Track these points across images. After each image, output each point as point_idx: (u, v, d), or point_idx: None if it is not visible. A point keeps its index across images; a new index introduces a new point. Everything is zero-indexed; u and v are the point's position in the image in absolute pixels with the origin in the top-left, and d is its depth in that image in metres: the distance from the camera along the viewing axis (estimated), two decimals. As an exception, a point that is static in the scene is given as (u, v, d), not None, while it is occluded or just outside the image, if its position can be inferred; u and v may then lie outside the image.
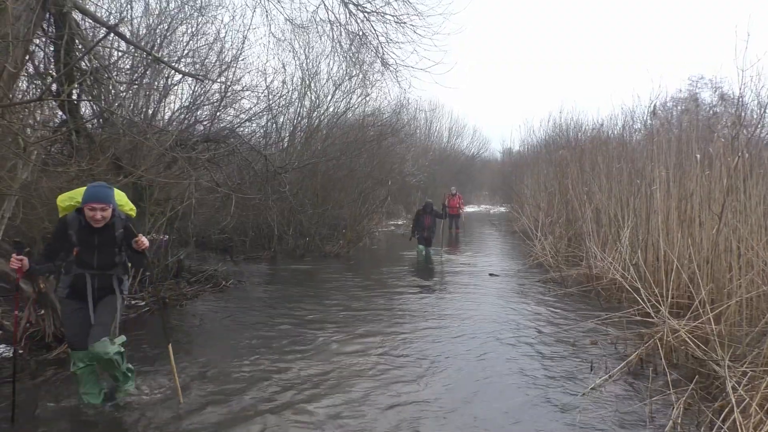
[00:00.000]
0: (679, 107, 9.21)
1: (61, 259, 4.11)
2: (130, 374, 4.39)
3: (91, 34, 6.83)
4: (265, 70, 23.52)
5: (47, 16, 6.16)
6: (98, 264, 4.12)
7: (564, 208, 12.75)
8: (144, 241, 4.08)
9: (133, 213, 4.42)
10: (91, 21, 6.89)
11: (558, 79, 77.96)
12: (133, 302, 7.14)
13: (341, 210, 14.73)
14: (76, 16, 6.48)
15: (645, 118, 9.46)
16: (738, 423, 3.48)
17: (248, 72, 20.32)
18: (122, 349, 4.19)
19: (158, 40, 8.72)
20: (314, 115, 15.53)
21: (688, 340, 5.07)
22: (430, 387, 4.71)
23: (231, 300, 8.13)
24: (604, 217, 10.01)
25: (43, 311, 5.38)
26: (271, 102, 12.44)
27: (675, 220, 7.20)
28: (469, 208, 41.16)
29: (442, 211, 14.14)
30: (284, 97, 14.31)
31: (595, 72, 75.32)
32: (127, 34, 8.59)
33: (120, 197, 4.28)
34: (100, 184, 4.09)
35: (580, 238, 11.00)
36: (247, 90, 10.48)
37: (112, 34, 6.81)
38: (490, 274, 10.62)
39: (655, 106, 7.87)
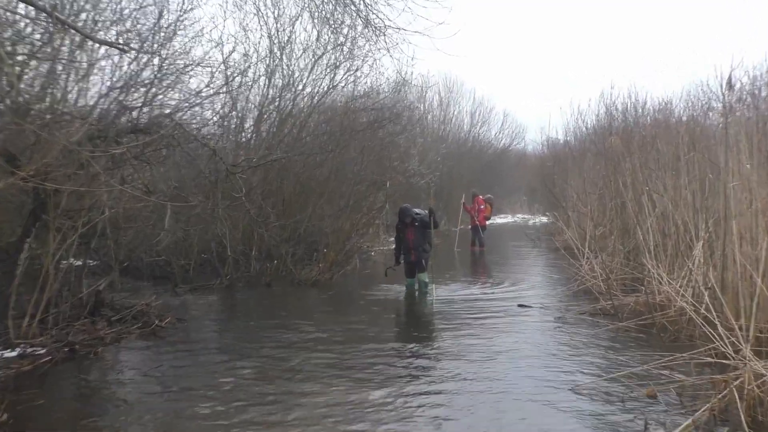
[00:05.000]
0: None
1: None
2: None
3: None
4: (221, 38, 23.56)
5: None
6: None
7: (618, 216, 12.64)
8: None
9: None
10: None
11: (611, 55, 78.13)
12: (29, 350, 7.03)
13: (322, 222, 14.66)
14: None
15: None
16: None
17: (200, 43, 20.38)
18: None
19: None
20: (287, 96, 15.61)
21: (778, 390, 4.93)
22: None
23: (165, 345, 8.06)
24: (670, 227, 9.91)
25: None
26: (229, 80, 12.44)
27: (763, 228, 7.07)
28: (499, 219, 41.24)
29: (430, 218, 12.05)
30: (246, 73, 14.32)
31: (659, 49, 75.21)
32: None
33: None
34: None
35: (640, 255, 10.89)
36: (194, 65, 10.47)
37: None
38: (520, 305, 10.54)
39: (730, 75, 7.63)
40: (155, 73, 9.18)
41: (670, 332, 8.03)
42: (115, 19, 9.09)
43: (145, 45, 9.17)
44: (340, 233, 14.62)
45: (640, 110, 15.44)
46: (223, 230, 11.49)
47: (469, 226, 21.91)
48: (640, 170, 11.63)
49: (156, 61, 9.19)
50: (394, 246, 12.80)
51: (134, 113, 9.05)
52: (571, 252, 12.96)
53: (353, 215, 15.30)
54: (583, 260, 12.11)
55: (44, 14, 7.73)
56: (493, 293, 12.15)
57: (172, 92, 9.76)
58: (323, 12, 12.00)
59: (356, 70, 16.02)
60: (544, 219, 33.62)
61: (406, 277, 12.34)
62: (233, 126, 14.64)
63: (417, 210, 12.21)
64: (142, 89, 9.16)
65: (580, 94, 61.99)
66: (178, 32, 9.75)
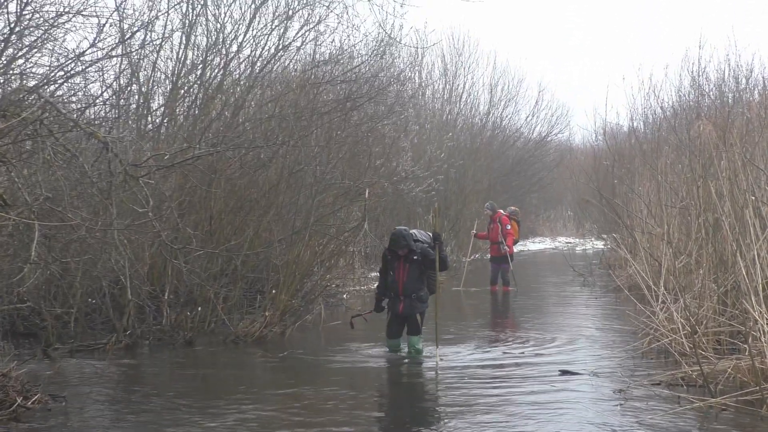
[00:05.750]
0: None
1: None
2: None
3: None
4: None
5: None
6: None
7: (710, 239, 12.68)
8: None
9: None
10: None
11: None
12: None
13: (269, 250, 14.65)
14: None
15: None
16: None
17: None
18: None
19: None
20: (215, 62, 15.65)
21: None
22: None
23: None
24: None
25: None
26: (127, 37, 12.36)
27: None
28: (533, 244, 41.14)
29: (435, 245, 11.66)
30: (153, 26, 14.23)
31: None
32: None
33: None
34: None
35: (741, 298, 10.92)
36: (73, 13, 10.42)
37: None
38: (562, 372, 10.65)
39: None
40: (11, 24, 9.14)
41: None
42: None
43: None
44: (296, 266, 14.58)
45: (744, 81, 15.43)
46: (121, 263, 11.37)
47: (488, 256, 21.82)
48: (743, 171, 11.68)
49: (12, 6, 9.16)
50: (377, 284, 12.71)
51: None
52: (638, 293, 12.99)
53: (315, 240, 15.31)
54: (657, 305, 12.11)
55: None
56: (523, 355, 12.26)
57: (38, 55, 9.73)
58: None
59: (318, 21, 16.03)
60: (600, 245, 33.67)
61: (387, 338, 12.08)
62: (134, 106, 14.62)
63: (419, 234, 11.87)
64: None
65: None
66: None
